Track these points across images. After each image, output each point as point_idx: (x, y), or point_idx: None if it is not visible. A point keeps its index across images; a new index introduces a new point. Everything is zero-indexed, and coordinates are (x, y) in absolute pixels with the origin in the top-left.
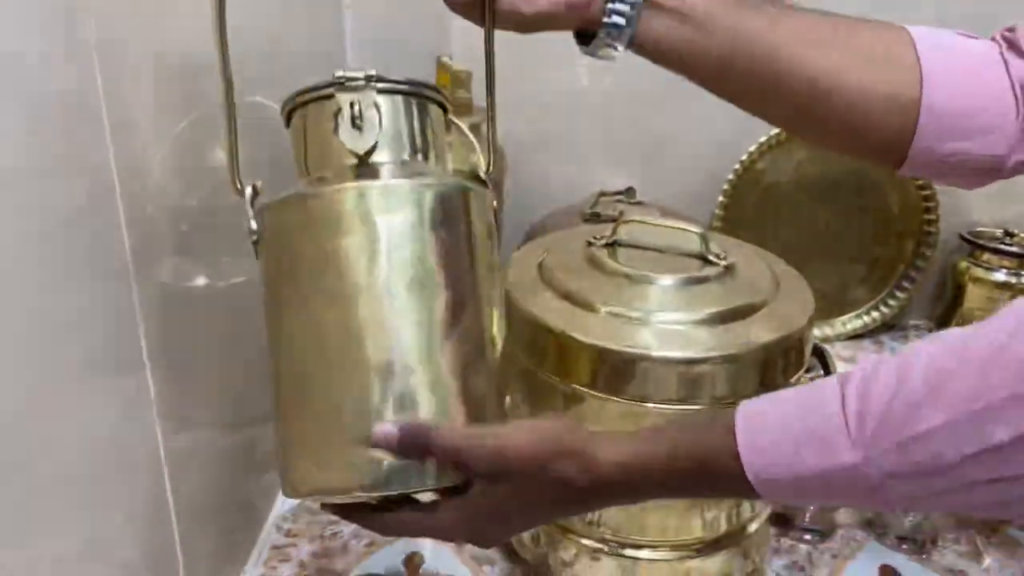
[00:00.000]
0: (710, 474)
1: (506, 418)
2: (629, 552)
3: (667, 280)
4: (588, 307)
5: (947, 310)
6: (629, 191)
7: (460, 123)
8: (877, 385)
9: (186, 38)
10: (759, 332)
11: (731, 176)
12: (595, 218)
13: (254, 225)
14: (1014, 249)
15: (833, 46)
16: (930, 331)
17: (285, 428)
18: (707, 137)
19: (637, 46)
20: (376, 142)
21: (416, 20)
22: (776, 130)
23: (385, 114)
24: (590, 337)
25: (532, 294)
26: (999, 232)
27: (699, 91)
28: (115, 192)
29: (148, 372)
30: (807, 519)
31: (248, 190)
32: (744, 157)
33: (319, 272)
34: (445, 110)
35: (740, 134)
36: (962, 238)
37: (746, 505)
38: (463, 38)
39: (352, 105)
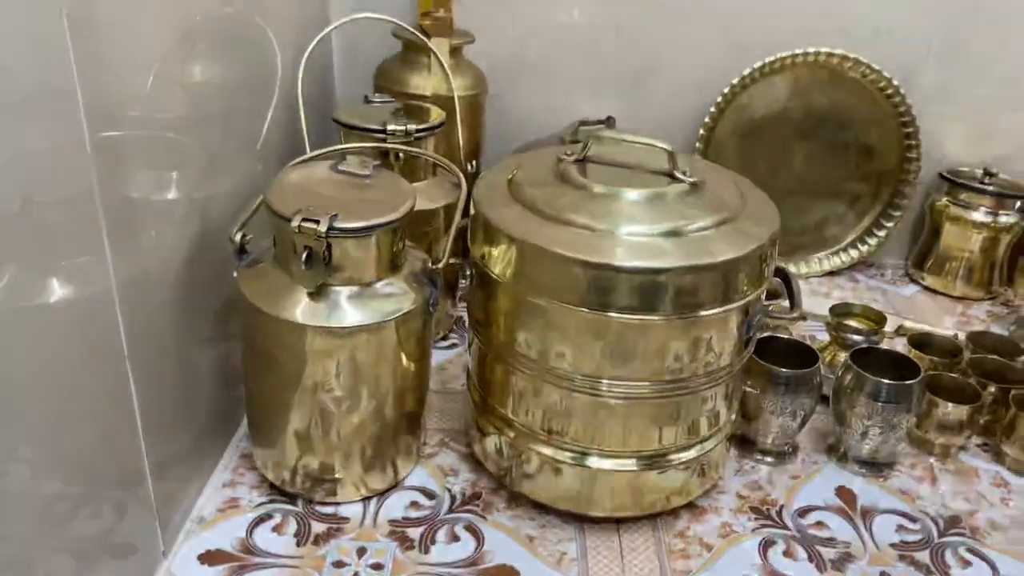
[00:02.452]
0: None
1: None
2: (590, 463)
3: (633, 194)
4: (555, 219)
5: (924, 249)
6: (609, 120)
7: (438, 48)
8: None
9: None
10: (721, 247)
11: (712, 109)
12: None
13: (235, 274)
14: (993, 189)
15: None
16: (906, 271)
17: None
18: (689, 69)
19: None
20: (324, 281)
21: None
22: (759, 63)
23: (340, 255)
24: (556, 247)
25: (501, 207)
26: (979, 172)
27: (682, 23)
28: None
29: (114, 289)
30: (769, 441)
31: (237, 237)
32: (726, 90)
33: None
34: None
35: (723, 67)
36: (942, 177)
37: (704, 422)
38: None
39: (307, 248)
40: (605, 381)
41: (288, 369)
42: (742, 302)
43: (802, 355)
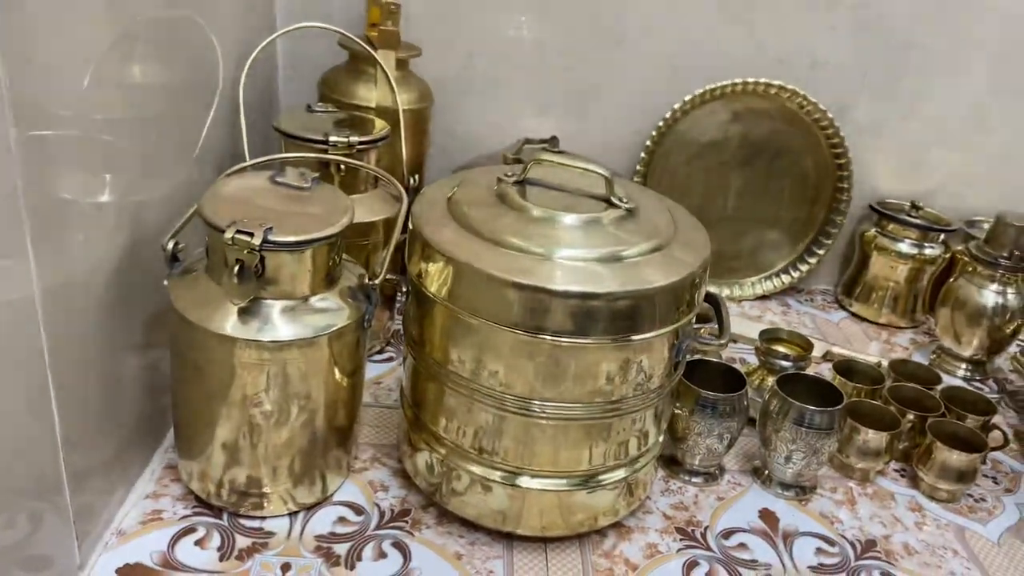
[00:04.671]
0: None
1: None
2: (520, 482)
3: (570, 219)
4: (492, 241)
5: (852, 277)
6: (553, 140)
7: (384, 60)
8: None
9: None
10: (654, 274)
11: (653, 132)
12: (517, 164)
13: (166, 282)
14: (919, 221)
15: None
16: (835, 297)
17: None
18: (633, 93)
19: None
20: (256, 295)
21: None
22: (700, 90)
23: (274, 268)
24: (492, 269)
25: (439, 225)
26: (906, 204)
27: (628, 49)
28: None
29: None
30: (696, 462)
31: (169, 245)
32: (667, 115)
33: (195, 369)
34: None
35: (665, 92)
36: (871, 208)
37: (634, 443)
38: None
39: (239, 261)
40: (537, 402)
41: (216, 381)
42: (673, 326)
43: (730, 378)
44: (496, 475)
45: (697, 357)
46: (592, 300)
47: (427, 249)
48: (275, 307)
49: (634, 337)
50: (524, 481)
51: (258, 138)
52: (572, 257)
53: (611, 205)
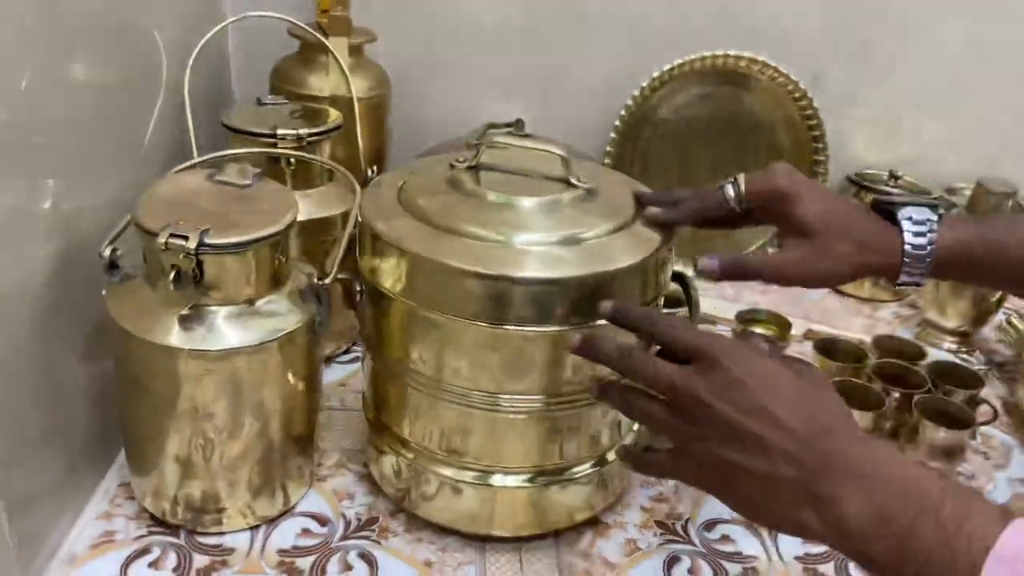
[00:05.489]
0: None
1: None
2: (491, 481)
3: (528, 202)
4: (447, 230)
5: None
6: (518, 123)
7: (336, 47)
8: None
9: None
10: (618, 254)
11: (623, 112)
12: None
13: (104, 292)
14: (899, 191)
15: None
16: None
17: None
18: (599, 72)
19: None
20: (196, 301)
21: None
22: (668, 65)
23: (214, 273)
24: (448, 259)
25: (390, 217)
26: (884, 174)
27: (592, 26)
28: None
29: None
30: None
31: (106, 252)
32: (636, 93)
33: (138, 382)
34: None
35: (632, 70)
36: (849, 180)
37: (605, 433)
38: None
39: (174, 267)
40: (504, 396)
41: (162, 394)
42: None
43: None
44: (466, 475)
45: None
46: (554, 285)
47: (378, 242)
48: (219, 313)
49: (600, 322)
50: (495, 479)
51: (210, 136)
52: (532, 242)
53: (569, 185)
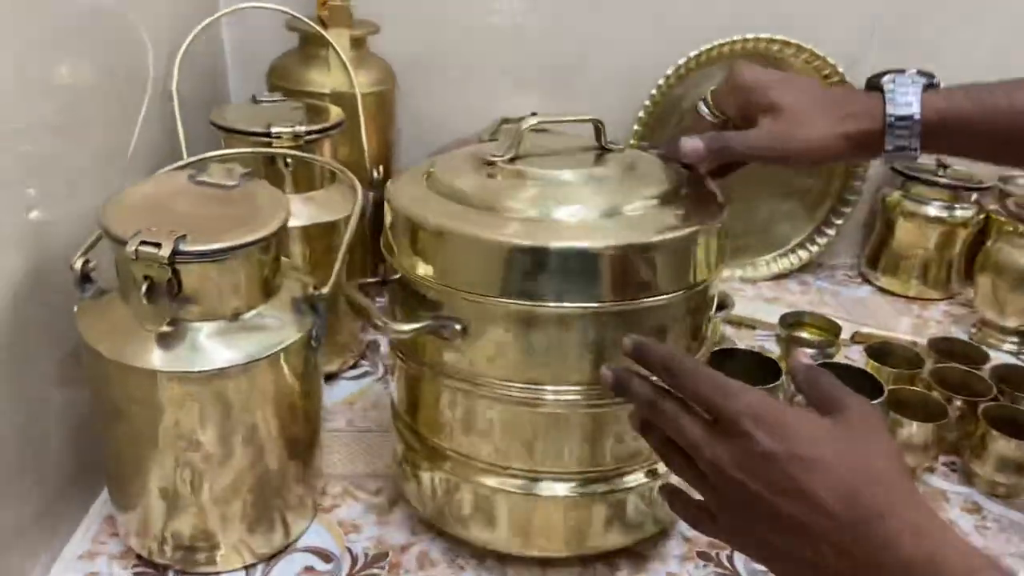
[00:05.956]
0: None
1: None
2: (536, 490)
3: (566, 175)
4: (486, 208)
5: (877, 247)
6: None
7: (336, 40)
8: None
9: None
10: (660, 226)
11: (647, 102)
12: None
13: (76, 309)
14: (947, 181)
15: None
16: (859, 271)
17: None
18: (619, 63)
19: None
20: (173, 317)
21: None
22: (694, 52)
23: (194, 284)
24: (489, 235)
25: (423, 203)
26: (931, 163)
27: (610, 13)
28: None
29: None
30: None
31: (77, 264)
32: (660, 82)
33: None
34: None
35: (655, 58)
36: (894, 170)
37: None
38: None
39: (147, 278)
40: (547, 388)
41: (142, 422)
42: (694, 288)
43: (763, 369)
44: (509, 484)
45: (725, 346)
46: (599, 256)
47: (412, 229)
48: (201, 330)
49: (646, 301)
50: (539, 488)
51: (204, 141)
52: (571, 214)
53: (605, 151)
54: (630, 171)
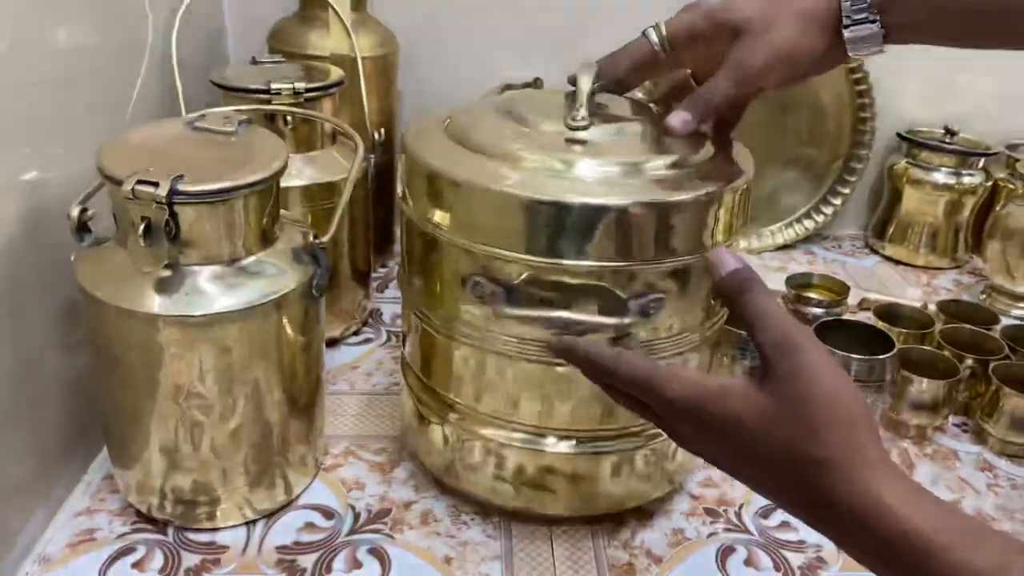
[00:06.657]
0: None
1: None
2: (542, 445)
3: (588, 132)
4: (505, 158)
5: (884, 217)
6: (536, 82)
7: (336, 2)
8: None
9: None
10: (681, 187)
11: None
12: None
13: (73, 258)
14: (955, 147)
15: None
16: (865, 240)
17: None
18: (624, 28)
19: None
20: (170, 260)
21: None
22: None
23: (191, 226)
24: (508, 188)
25: (441, 152)
26: (938, 131)
27: None
28: None
29: None
30: None
31: (75, 212)
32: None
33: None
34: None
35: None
36: (900, 136)
37: None
38: None
39: (144, 219)
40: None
41: (141, 370)
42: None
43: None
44: (516, 438)
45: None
46: (611, 213)
47: (428, 178)
48: (200, 274)
49: (666, 262)
50: (546, 443)
51: (203, 101)
52: (591, 168)
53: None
54: (649, 134)
